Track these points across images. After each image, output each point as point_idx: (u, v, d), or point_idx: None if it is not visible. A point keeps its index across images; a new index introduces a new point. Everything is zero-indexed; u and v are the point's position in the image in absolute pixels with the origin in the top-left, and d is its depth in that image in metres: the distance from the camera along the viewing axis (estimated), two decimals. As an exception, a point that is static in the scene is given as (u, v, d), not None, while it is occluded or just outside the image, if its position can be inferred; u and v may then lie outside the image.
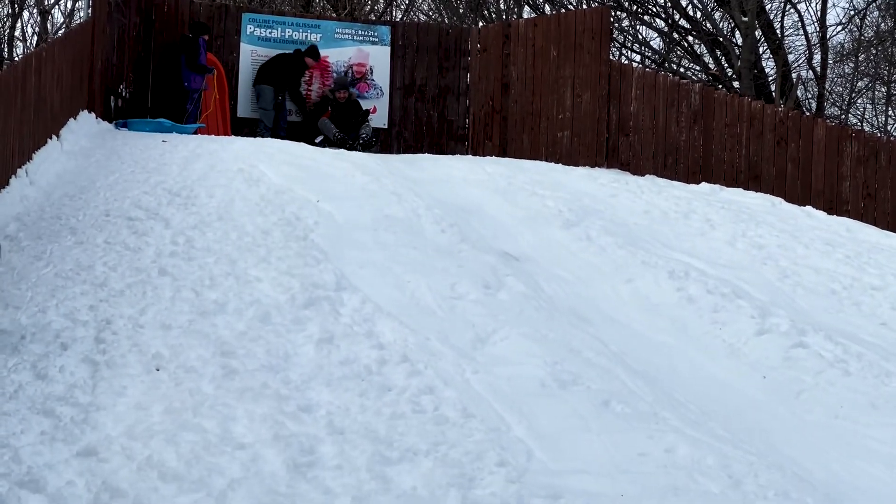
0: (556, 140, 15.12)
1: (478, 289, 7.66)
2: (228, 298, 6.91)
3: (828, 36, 23.38)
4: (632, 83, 14.47)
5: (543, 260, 8.93)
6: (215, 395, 5.44)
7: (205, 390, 5.50)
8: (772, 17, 23.08)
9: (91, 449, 4.74)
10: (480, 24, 23.28)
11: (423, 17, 28.35)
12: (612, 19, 18.18)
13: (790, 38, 24.27)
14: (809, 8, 38.66)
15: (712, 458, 5.22)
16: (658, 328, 7.56)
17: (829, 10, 26.42)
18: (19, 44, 27.91)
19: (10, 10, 26.71)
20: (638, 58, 24.68)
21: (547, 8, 24.25)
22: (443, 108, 16.49)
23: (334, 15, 22.90)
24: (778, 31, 22.77)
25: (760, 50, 22.70)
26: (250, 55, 15.84)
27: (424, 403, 5.59)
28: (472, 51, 16.41)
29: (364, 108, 15.84)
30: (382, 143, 16.04)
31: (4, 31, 26.93)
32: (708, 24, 23.42)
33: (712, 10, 23.68)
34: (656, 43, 25.26)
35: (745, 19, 20.65)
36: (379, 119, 16.18)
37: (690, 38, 24.16)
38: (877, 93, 27.74)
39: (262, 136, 14.32)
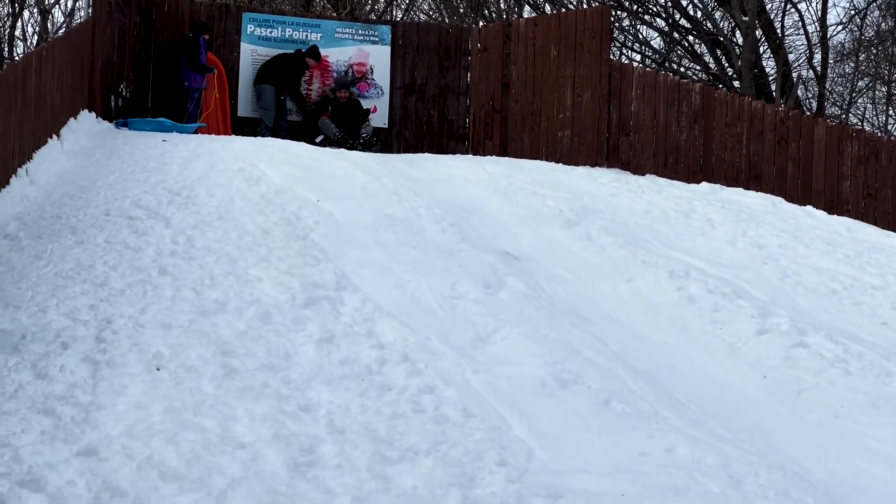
0: (557, 140, 15.12)
1: (478, 288, 7.66)
2: (229, 298, 6.91)
3: (828, 35, 23.40)
4: (632, 83, 14.47)
5: (544, 259, 8.93)
6: (216, 395, 5.45)
7: (205, 390, 5.50)
8: (772, 17, 23.09)
9: (91, 448, 4.74)
10: (481, 23, 23.28)
11: (423, 17, 28.36)
12: (612, 19, 18.18)
13: (791, 37, 24.29)
14: (810, 7, 38.68)
15: (713, 457, 5.22)
16: (658, 328, 7.56)
17: (829, 10, 26.43)
18: (20, 43, 27.93)
19: (10, 10, 26.71)
20: (638, 57, 24.71)
21: (547, 7, 24.25)
22: (443, 108, 16.49)
23: (334, 14, 22.90)
24: (778, 31, 22.78)
25: (761, 49, 22.70)
26: (250, 55, 15.85)
27: (425, 403, 5.59)
28: (472, 50, 16.41)
29: (364, 108, 15.85)
30: (383, 142, 16.04)
31: (5, 30, 26.94)
32: (708, 24, 23.42)
33: (713, 9, 23.68)
34: (657, 42, 25.28)
35: (746, 19, 20.66)
36: (379, 118, 16.18)
37: (691, 38, 24.17)
38: (877, 92, 27.74)
39: (263, 136, 14.32)
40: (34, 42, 27.47)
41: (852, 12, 25.18)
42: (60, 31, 26.63)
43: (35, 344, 5.86)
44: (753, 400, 6.43)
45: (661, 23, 23.72)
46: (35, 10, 26.99)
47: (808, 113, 21.40)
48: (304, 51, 15.78)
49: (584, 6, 22.12)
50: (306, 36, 16.10)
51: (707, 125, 13.74)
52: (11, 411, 5.02)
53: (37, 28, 27.39)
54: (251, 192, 9.75)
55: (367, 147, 15.15)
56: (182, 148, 11.69)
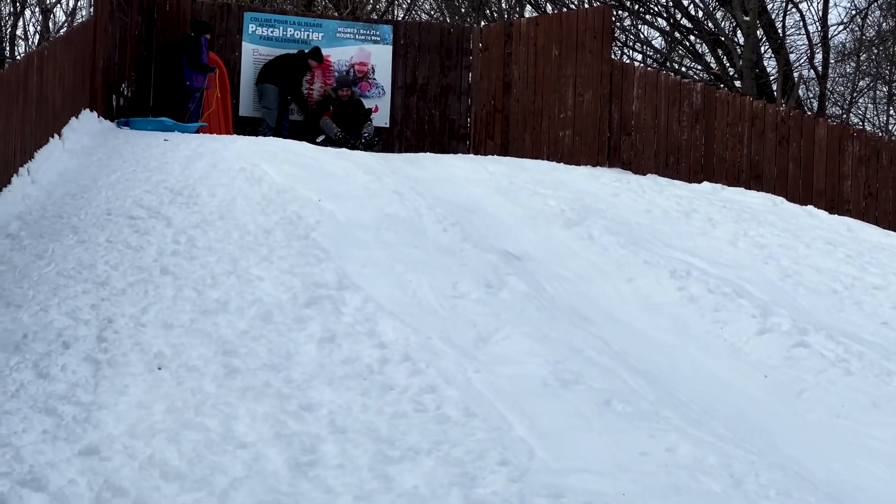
0: (558, 139, 15.12)
1: (479, 288, 7.66)
2: (230, 297, 6.92)
3: (829, 35, 23.37)
4: (633, 82, 14.47)
5: (545, 259, 8.94)
6: (217, 394, 5.45)
7: (207, 389, 5.50)
8: (773, 17, 23.07)
9: (93, 448, 4.74)
10: (482, 23, 23.28)
11: (424, 17, 28.36)
12: (613, 18, 18.18)
13: (792, 37, 24.27)
14: (811, 7, 38.64)
15: (714, 457, 5.22)
16: (659, 327, 7.56)
17: (830, 10, 26.40)
18: (21, 42, 27.93)
19: (11, 9, 26.72)
20: (640, 57, 24.70)
21: (549, 7, 24.24)
22: (444, 108, 16.49)
23: (336, 14, 22.90)
24: (779, 31, 22.76)
25: (762, 49, 22.68)
26: (252, 54, 15.86)
27: (426, 402, 5.59)
28: (473, 50, 16.41)
29: (366, 108, 15.86)
30: (384, 142, 16.05)
31: (6, 29, 26.94)
32: (710, 24, 23.41)
33: (714, 9, 23.68)
34: (658, 42, 25.26)
35: (747, 19, 20.65)
36: (381, 118, 16.19)
37: (692, 38, 24.16)
38: (878, 92, 27.73)
39: (265, 135, 14.33)
40: (36, 41, 27.47)
41: (853, 12, 25.18)
42: (62, 30, 26.63)
43: (36, 343, 5.86)
44: (754, 399, 6.43)
45: (662, 22, 23.73)
46: (36, 9, 27.00)
47: (810, 113, 21.39)
48: (306, 52, 15.78)
49: (586, 6, 22.12)
50: (308, 35, 16.10)
51: (708, 125, 13.74)
52: (13, 410, 5.03)
53: (38, 27, 27.41)
54: (253, 191, 9.76)
55: (368, 147, 15.15)
56: (183, 147, 11.69)
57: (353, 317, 6.79)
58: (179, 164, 10.74)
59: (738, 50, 22.05)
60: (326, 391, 5.64)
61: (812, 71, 23.71)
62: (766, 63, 23.08)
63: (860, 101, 27.62)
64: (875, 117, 28.33)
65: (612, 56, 15.42)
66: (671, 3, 23.16)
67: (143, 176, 10.04)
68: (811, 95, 24.81)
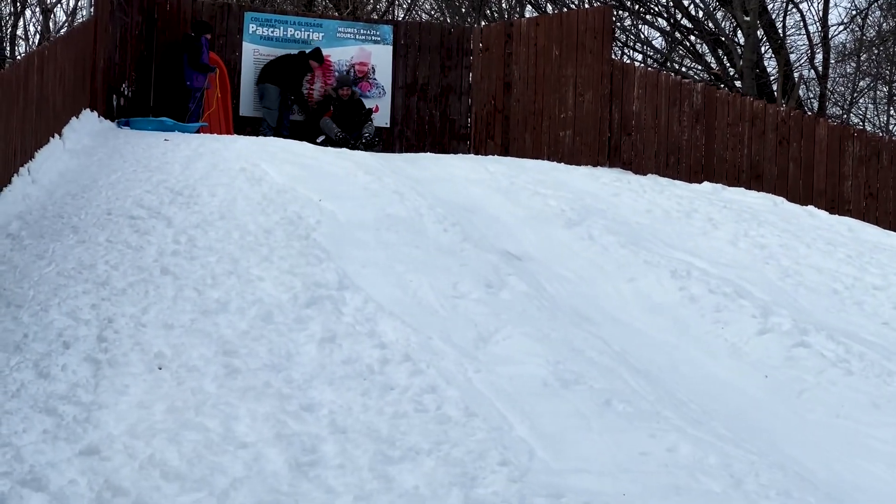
0: (559, 139, 15.12)
1: (480, 288, 7.66)
2: (230, 297, 6.92)
3: (829, 35, 23.37)
4: (634, 82, 14.47)
5: (545, 259, 8.94)
6: (217, 394, 5.45)
7: (207, 389, 5.50)
8: (774, 17, 23.07)
9: (93, 448, 4.74)
10: (482, 23, 23.28)
11: (424, 17, 28.36)
12: (614, 18, 18.18)
13: (792, 37, 24.27)
14: (811, 7, 38.64)
15: (714, 457, 5.22)
16: (660, 327, 7.56)
17: (830, 10, 26.37)
18: (21, 42, 27.93)
19: (12, 9, 26.72)
20: (640, 57, 24.70)
21: (549, 7, 24.24)
22: (445, 108, 16.49)
23: (336, 14, 22.91)
24: (780, 31, 22.76)
25: (762, 49, 22.67)
26: (252, 54, 15.86)
27: (427, 402, 5.59)
28: (474, 50, 16.41)
29: (366, 108, 15.86)
30: (384, 142, 16.05)
31: (7, 29, 26.94)
32: (710, 24, 23.41)
33: (714, 9, 23.67)
34: (658, 42, 25.26)
35: (747, 19, 20.64)
36: (381, 118, 16.19)
37: (692, 38, 24.15)
38: (878, 92, 27.72)
39: (265, 135, 14.34)
40: (36, 41, 27.47)
41: (853, 12, 25.17)
42: (62, 30, 26.64)
43: (37, 343, 5.86)
44: (755, 399, 6.44)
45: (662, 22, 23.72)
46: (37, 9, 27.01)
47: (810, 113, 21.39)
48: (307, 52, 15.79)
49: (586, 6, 22.12)
50: (308, 35, 16.10)
51: (709, 125, 13.74)
52: (13, 410, 5.03)
53: (39, 27, 27.41)
54: (253, 191, 9.76)
55: (368, 147, 15.15)
56: (184, 147, 11.69)
57: (353, 317, 6.79)
58: (180, 164, 10.74)
59: (739, 50, 22.05)
60: (327, 391, 5.64)
61: (812, 71, 23.72)
62: (766, 63, 23.08)
63: (860, 101, 27.63)
64: (875, 117, 28.33)
65: (613, 56, 15.41)
66: (671, 4, 23.16)
67: (144, 176, 10.03)
68: (811, 95, 24.81)
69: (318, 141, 15.04)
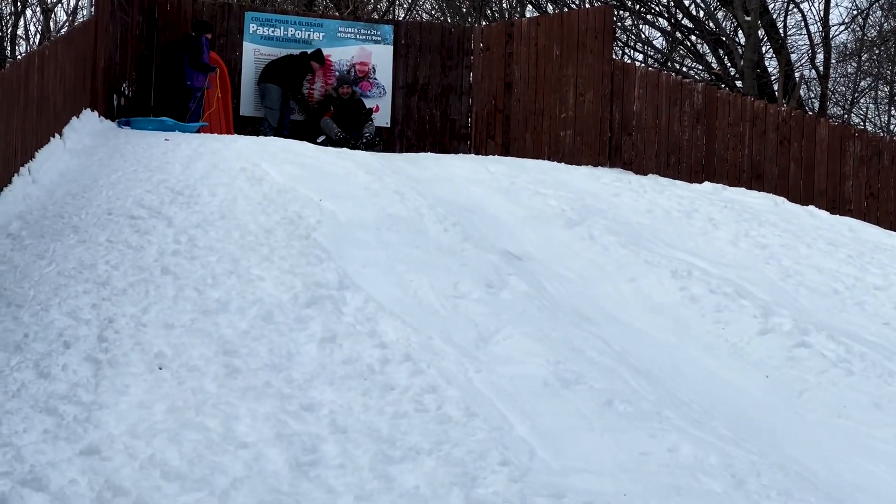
0: (559, 139, 15.12)
1: (480, 288, 7.66)
2: (231, 297, 6.91)
3: (830, 35, 23.35)
4: (634, 82, 14.47)
5: (546, 259, 8.93)
6: (218, 394, 5.45)
7: (207, 389, 5.50)
8: (775, 17, 23.07)
9: (94, 447, 4.74)
10: (483, 22, 23.27)
11: (425, 17, 28.36)
12: (614, 18, 18.17)
13: (793, 37, 24.26)
14: (812, 7, 38.65)
15: (715, 457, 5.22)
16: (661, 327, 7.56)
17: (831, 10, 26.36)
18: (22, 42, 27.94)
19: (13, 9, 26.73)
20: (641, 57, 24.69)
21: (550, 7, 24.23)
22: (445, 107, 16.49)
23: (337, 14, 22.91)
24: (781, 31, 22.75)
25: (763, 49, 22.67)
26: (253, 54, 15.86)
27: (427, 402, 5.59)
28: (474, 50, 16.41)
29: (367, 107, 15.86)
30: (385, 142, 16.04)
31: (7, 29, 26.94)
32: (711, 24, 23.40)
33: (715, 9, 23.67)
34: (659, 42, 25.25)
35: (748, 19, 20.64)
36: (381, 118, 16.19)
37: (693, 38, 24.15)
38: (879, 92, 27.71)
39: (266, 135, 14.34)
40: (37, 41, 27.48)
41: (854, 12, 25.16)
42: (63, 30, 26.64)
43: (37, 343, 5.86)
44: (756, 400, 6.43)
45: (663, 22, 23.72)
46: (38, 8, 27.01)
47: (811, 113, 21.38)
48: (308, 53, 15.80)
49: (587, 6, 22.12)
50: (309, 35, 16.10)
51: (709, 125, 13.74)
52: (14, 410, 5.02)
53: (39, 27, 27.42)
54: (253, 191, 9.75)
55: (369, 146, 15.15)
56: (184, 147, 11.69)
57: (353, 317, 6.79)
58: (180, 163, 10.74)
59: (740, 50, 22.04)
60: (327, 391, 5.64)
61: (813, 71, 23.72)
62: (767, 63, 23.08)
63: (861, 101, 27.62)
64: (876, 117, 28.32)
65: (614, 56, 15.40)
66: (672, 3, 23.16)
67: (144, 175, 10.03)
68: (812, 95, 24.80)
69: (319, 141, 15.04)
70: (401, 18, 26.18)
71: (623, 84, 14.53)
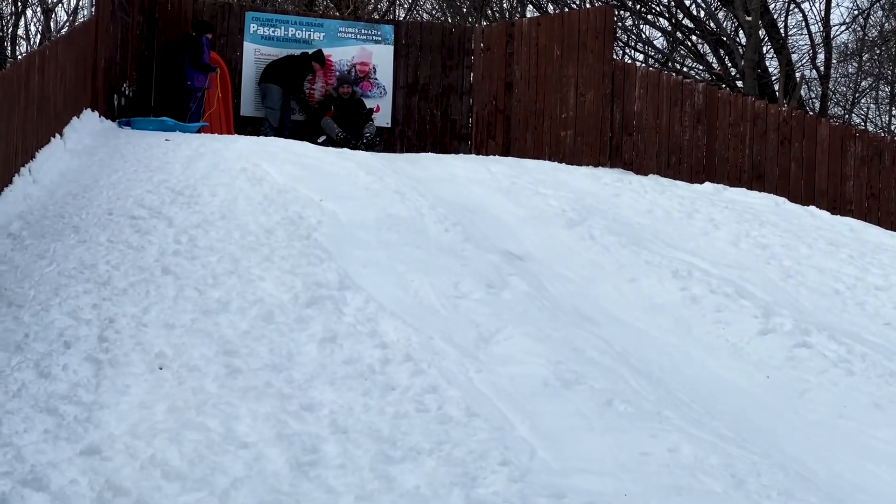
0: (560, 139, 15.12)
1: (481, 288, 7.66)
2: (231, 297, 6.91)
3: (831, 35, 23.35)
4: (635, 82, 14.47)
5: (547, 259, 8.93)
6: (218, 394, 5.45)
7: (208, 389, 5.50)
8: (775, 17, 23.06)
9: (94, 447, 4.74)
10: (483, 23, 23.27)
11: (425, 17, 28.35)
12: (615, 18, 18.17)
13: (794, 37, 24.25)
14: (813, 7, 38.64)
15: (716, 457, 5.22)
16: (661, 328, 7.56)
17: (832, 10, 26.35)
18: (23, 42, 27.95)
19: (13, 9, 26.73)
20: (641, 57, 24.69)
21: (550, 7, 24.23)
22: (446, 108, 16.49)
23: (337, 14, 22.91)
24: (781, 31, 22.75)
25: (764, 49, 22.66)
26: (254, 54, 15.86)
27: (428, 402, 5.59)
28: (475, 50, 16.41)
29: (367, 107, 15.86)
30: (386, 142, 16.04)
31: (8, 29, 26.95)
32: (711, 24, 23.40)
33: (716, 9, 23.66)
34: (660, 42, 25.25)
35: (749, 19, 20.63)
36: (382, 118, 16.18)
37: (694, 38, 24.14)
38: (880, 92, 27.70)
39: (266, 135, 14.34)
40: (37, 41, 27.49)
41: (855, 12, 25.15)
42: (63, 29, 26.64)
43: (38, 343, 5.86)
44: (756, 400, 6.43)
45: (664, 22, 23.72)
46: (38, 8, 27.02)
47: (812, 113, 21.38)
48: (309, 53, 15.80)
49: (588, 6, 22.11)
50: (309, 35, 16.10)
51: (710, 125, 13.74)
52: (14, 410, 5.02)
53: (40, 27, 27.43)
54: (254, 191, 9.75)
55: (370, 147, 15.15)
56: (185, 147, 11.69)
57: (354, 317, 6.79)
58: (181, 163, 10.74)
59: (740, 50, 22.04)
60: (328, 391, 5.63)
61: (814, 71, 23.71)
62: (768, 63, 23.07)
63: (862, 101, 27.61)
64: (877, 118, 28.32)
65: (614, 56, 15.40)
66: (673, 3, 23.16)
67: (145, 176, 10.03)
68: (813, 96, 24.79)
69: (320, 141, 15.04)
70: (401, 18, 26.18)
71: (624, 84, 14.53)
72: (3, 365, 5.52)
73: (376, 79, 16.28)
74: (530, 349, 6.53)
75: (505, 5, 26.90)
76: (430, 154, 14.51)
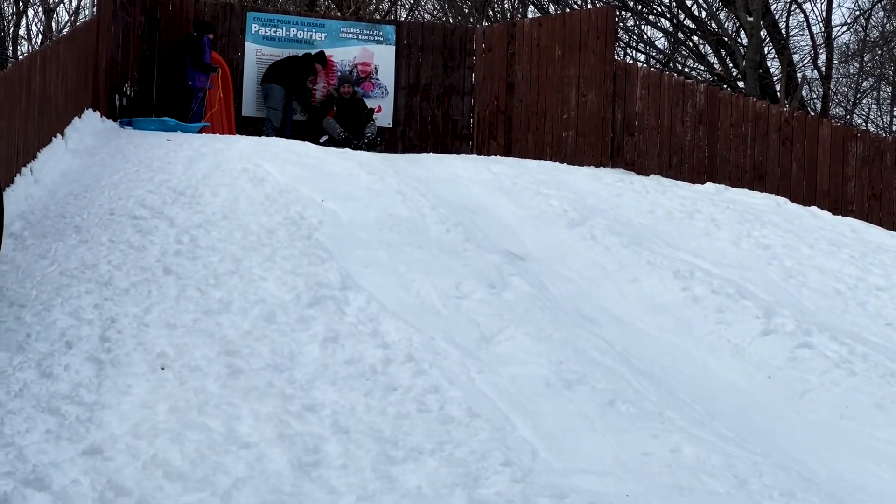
0: (561, 140, 15.11)
1: (483, 288, 7.66)
2: (233, 297, 6.91)
3: (833, 36, 23.34)
4: (637, 83, 14.47)
5: (548, 259, 8.93)
6: (220, 394, 5.45)
7: (210, 389, 5.50)
8: (777, 17, 23.05)
9: (96, 447, 4.74)
10: (485, 23, 23.27)
11: (427, 17, 28.35)
12: (616, 19, 18.17)
13: (795, 38, 24.25)
14: (814, 8, 38.62)
15: (717, 457, 5.22)
16: (663, 328, 7.56)
17: (834, 11, 26.35)
18: (24, 42, 27.95)
19: (15, 9, 26.74)
20: (643, 57, 24.68)
21: (552, 7, 24.23)
22: (447, 108, 16.49)
23: (339, 14, 22.92)
24: (783, 31, 22.74)
25: (765, 50, 22.66)
26: (255, 54, 15.87)
27: (429, 403, 5.59)
28: (476, 50, 16.41)
29: (368, 107, 15.86)
30: (387, 142, 16.05)
31: (9, 29, 26.95)
32: (713, 24, 23.40)
33: (717, 9, 23.66)
34: (661, 43, 25.25)
35: (751, 19, 20.63)
36: (384, 118, 16.19)
37: (695, 38, 24.14)
38: (882, 93, 27.71)
39: (268, 135, 14.34)
40: (39, 41, 27.50)
41: (857, 13, 25.14)
42: (65, 30, 26.65)
43: (40, 343, 5.86)
44: (758, 400, 6.43)
45: (665, 23, 23.71)
46: (39, 8, 27.02)
47: (813, 113, 21.38)
48: (312, 54, 15.82)
49: (589, 6, 22.11)
50: (311, 36, 16.11)
51: (712, 125, 13.73)
52: (16, 410, 5.02)
53: (41, 27, 27.44)
54: (256, 191, 9.76)
55: (371, 147, 15.16)
56: (186, 147, 11.70)
57: (356, 317, 6.79)
58: (182, 164, 10.74)
59: (742, 50, 22.03)
60: (330, 391, 5.64)
61: (815, 71, 23.70)
62: (769, 64, 23.06)
63: (864, 101, 27.61)
64: (879, 118, 28.32)
65: (616, 56, 15.40)
66: (674, 4, 23.15)
67: (146, 176, 10.04)
68: (815, 96, 24.79)
69: (321, 141, 15.05)
70: (403, 19, 26.18)
71: (625, 85, 14.53)
72: (5, 365, 5.52)
73: (378, 79, 16.28)
74: (532, 349, 6.53)
75: (506, 6, 26.91)
76: (431, 154, 14.51)
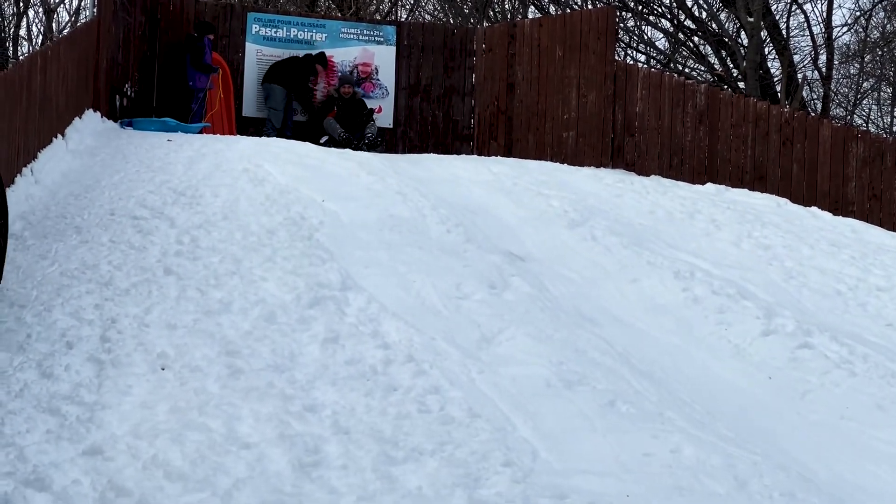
0: (562, 140, 15.11)
1: (483, 289, 7.66)
2: (234, 298, 6.92)
3: (833, 37, 23.35)
4: (637, 83, 14.47)
5: (548, 260, 8.93)
6: (220, 395, 5.45)
7: (210, 390, 5.50)
8: (777, 18, 23.05)
9: (96, 448, 4.74)
10: (485, 24, 23.27)
11: (427, 18, 28.35)
12: (617, 19, 18.17)
13: (796, 38, 24.26)
14: (815, 9, 38.62)
15: (717, 458, 5.22)
16: (663, 328, 7.55)
17: (834, 11, 26.34)
18: (25, 42, 27.96)
19: (15, 9, 26.74)
20: (643, 58, 24.68)
21: (552, 8, 24.23)
22: (448, 108, 16.50)
23: (339, 14, 22.92)
24: (783, 32, 22.74)
25: (766, 50, 22.66)
26: (255, 55, 15.88)
27: (430, 403, 5.59)
28: (477, 51, 16.41)
29: (369, 108, 15.87)
30: (388, 142, 16.05)
31: (10, 29, 26.96)
32: (713, 25, 23.40)
33: (718, 10, 23.66)
34: (662, 43, 25.25)
35: (751, 20, 20.63)
36: (384, 119, 16.19)
37: (696, 39, 24.15)
38: (882, 93, 27.70)
39: (268, 136, 14.34)
40: (39, 41, 27.50)
41: (857, 13, 25.14)
42: (65, 30, 26.66)
43: (40, 343, 5.86)
44: (758, 401, 6.43)
45: (666, 23, 23.72)
46: (40, 9, 27.03)
47: (814, 114, 21.37)
48: (313, 55, 15.82)
49: (589, 7, 22.11)
50: (311, 36, 16.11)
51: (712, 126, 13.73)
52: (17, 410, 5.02)
53: (42, 27, 27.44)
54: (256, 192, 9.76)
55: (371, 147, 15.16)
56: (187, 148, 11.70)
57: (356, 317, 6.79)
58: (183, 164, 10.74)
59: (742, 51, 22.03)
60: (330, 392, 5.64)
61: (816, 72, 23.70)
62: (769, 64, 23.07)
63: (864, 102, 27.60)
64: (879, 118, 28.31)
65: (616, 57, 15.40)
66: (675, 5, 23.16)
67: (147, 176, 10.04)
68: (815, 97, 24.79)
69: (322, 141, 15.05)
70: (403, 19, 26.18)
71: (625, 85, 14.53)
72: (6, 365, 5.52)
73: (378, 79, 16.29)
74: (532, 350, 6.53)
75: (507, 6, 26.91)
76: (431, 155, 14.52)
